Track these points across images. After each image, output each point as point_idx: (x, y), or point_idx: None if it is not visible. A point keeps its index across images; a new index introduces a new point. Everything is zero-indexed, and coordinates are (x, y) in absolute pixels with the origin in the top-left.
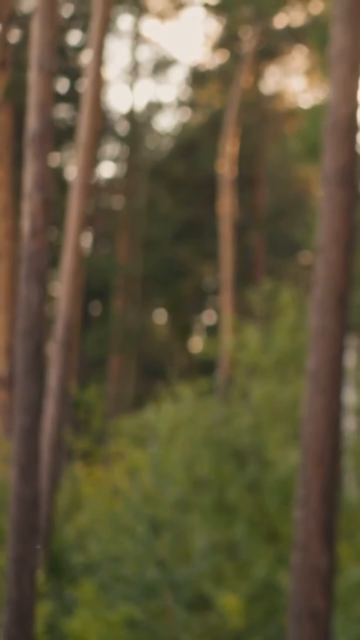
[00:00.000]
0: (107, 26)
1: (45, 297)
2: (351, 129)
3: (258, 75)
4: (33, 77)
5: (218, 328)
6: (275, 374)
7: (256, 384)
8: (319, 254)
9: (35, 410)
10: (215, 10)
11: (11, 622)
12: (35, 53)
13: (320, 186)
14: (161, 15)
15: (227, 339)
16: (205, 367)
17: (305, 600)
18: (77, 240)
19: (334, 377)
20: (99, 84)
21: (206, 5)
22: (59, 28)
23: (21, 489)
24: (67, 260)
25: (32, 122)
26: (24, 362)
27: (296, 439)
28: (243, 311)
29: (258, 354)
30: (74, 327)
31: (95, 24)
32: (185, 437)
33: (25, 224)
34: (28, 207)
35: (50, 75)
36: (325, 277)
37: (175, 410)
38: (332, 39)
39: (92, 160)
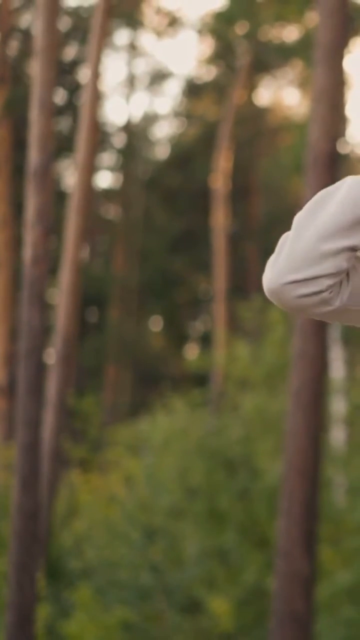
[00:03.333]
0: (105, 41)
1: (45, 321)
2: (331, 165)
3: (252, 88)
4: (34, 115)
5: (211, 337)
6: (264, 387)
7: (247, 396)
8: None
9: (36, 426)
10: (208, 31)
11: (13, 625)
12: (36, 92)
13: None
14: (157, 31)
15: (219, 353)
16: (199, 374)
17: (287, 603)
18: (76, 256)
19: (315, 396)
20: (97, 98)
21: (200, 31)
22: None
23: (23, 500)
24: (66, 276)
25: (33, 157)
26: (26, 382)
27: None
28: (236, 321)
29: (248, 368)
30: (72, 341)
31: (93, 38)
32: (178, 447)
33: (27, 253)
34: (30, 237)
35: (50, 113)
36: None
37: (169, 422)
38: (313, 79)
39: (91, 177)
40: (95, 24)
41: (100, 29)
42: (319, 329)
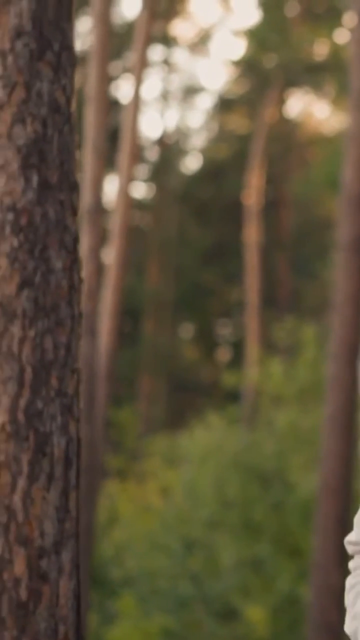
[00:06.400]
0: (146, 61)
1: (97, 349)
2: None
3: (282, 102)
4: (87, 158)
5: (243, 347)
6: (297, 404)
7: (280, 412)
8: (335, 313)
9: (94, 449)
10: (241, 65)
11: None
12: (90, 136)
13: (335, 252)
14: (190, 47)
15: (252, 370)
16: (233, 388)
17: (322, 614)
18: (119, 278)
19: (348, 420)
20: (137, 116)
21: (233, 62)
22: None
23: (80, 519)
24: (109, 298)
25: (87, 198)
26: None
27: (316, 463)
28: (267, 333)
29: (282, 385)
30: (115, 358)
31: (135, 58)
32: (215, 461)
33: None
34: (83, 272)
35: (102, 157)
36: (340, 333)
37: (206, 437)
38: (347, 123)
39: (131, 198)
40: (138, 43)
41: (142, 50)
42: (352, 355)
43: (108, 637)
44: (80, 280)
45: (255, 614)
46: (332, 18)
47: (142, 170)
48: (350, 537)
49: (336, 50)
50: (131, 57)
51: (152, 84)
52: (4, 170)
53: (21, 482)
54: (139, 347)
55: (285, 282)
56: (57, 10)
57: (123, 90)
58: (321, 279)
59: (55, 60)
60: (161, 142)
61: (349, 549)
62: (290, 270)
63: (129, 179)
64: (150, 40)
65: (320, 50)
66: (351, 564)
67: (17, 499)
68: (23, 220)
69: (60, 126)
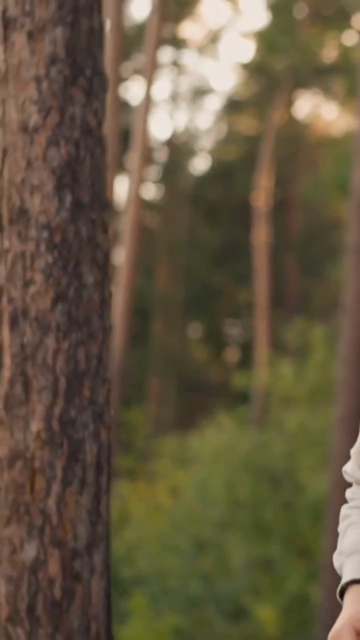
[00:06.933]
0: (156, 63)
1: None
2: None
3: (292, 104)
4: None
5: (252, 347)
6: (307, 405)
7: (290, 413)
8: (345, 315)
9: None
10: (250, 67)
11: None
12: None
13: (345, 254)
14: (200, 48)
15: (262, 372)
16: (243, 389)
17: (332, 616)
18: (130, 278)
19: (358, 421)
20: (147, 118)
21: (242, 64)
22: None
23: None
24: (120, 300)
25: None
26: None
27: (326, 464)
28: (277, 335)
29: (291, 386)
30: (126, 360)
31: (145, 60)
32: (225, 462)
33: None
34: None
35: (114, 158)
36: (350, 335)
37: (216, 438)
38: (356, 125)
39: (141, 202)
40: (148, 45)
41: (152, 50)
42: None
43: (120, 636)
44: (111, 294)
45: (265, 613)
46: (341, 20)
47: (151, 171)
48: (346, 467)
49: (345, 52)
50: (141, 58)
51: (162, 85)
52: (39, 191)
53: (55, 487)
54: (148, 347)
55: (294, 283)
56: (89, 38)
57: (132, 91)
58: (330, 280)
59: (88, 85)
60: (170, 143)
61: (346, 477)
62: (299, 271)
63: (140, 180)
64: (160, 42)
65: (329, 52)
66: (348, 493)
67: (51, 503)
68: (57, 238)
69: (92, 148)
